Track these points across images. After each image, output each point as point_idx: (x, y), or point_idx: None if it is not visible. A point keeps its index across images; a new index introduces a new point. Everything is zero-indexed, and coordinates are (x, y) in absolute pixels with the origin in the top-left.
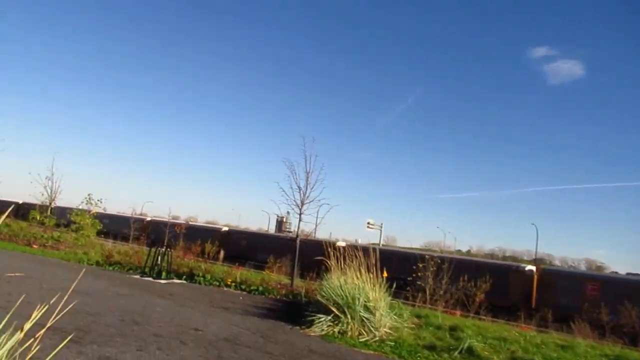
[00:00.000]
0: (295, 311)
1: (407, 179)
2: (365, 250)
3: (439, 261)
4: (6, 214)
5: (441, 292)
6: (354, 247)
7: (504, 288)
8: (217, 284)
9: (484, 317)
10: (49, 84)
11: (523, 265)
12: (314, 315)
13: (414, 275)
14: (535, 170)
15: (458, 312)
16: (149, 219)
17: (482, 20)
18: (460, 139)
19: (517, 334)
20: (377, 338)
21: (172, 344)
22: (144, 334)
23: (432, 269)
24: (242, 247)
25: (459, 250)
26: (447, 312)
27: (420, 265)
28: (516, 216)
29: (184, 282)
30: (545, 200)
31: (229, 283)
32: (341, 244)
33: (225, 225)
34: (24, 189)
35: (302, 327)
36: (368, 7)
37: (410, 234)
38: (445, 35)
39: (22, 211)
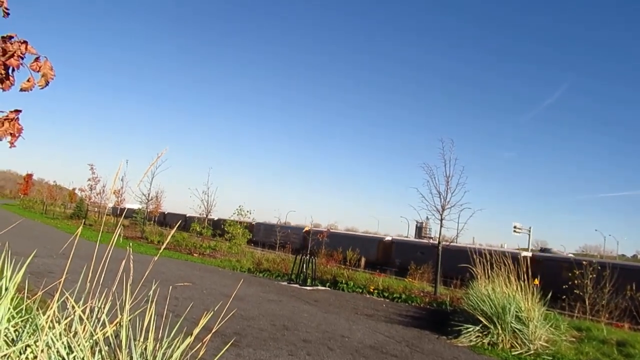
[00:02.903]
0: (440, 320)
1: (556, 179)
2: (513, 256)
3: (599, 267)
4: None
5: (603, 302)
6: (501, 254)
7: None
8: (360, 290)
9: None
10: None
11: None
12: (461, 325)
13: (569, 283)
14: None
15: (626, 325)
16: (292, 226)
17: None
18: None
19: None
20: (531, 351)
21: (320, 350)
22: (294, 339)
23: (590, 275)
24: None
25: (623, 255)
26: (612, 325)
27: (577, 272)
28: None
29: (328, 288)
30: None
31: (371, 290)
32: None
33: (364, 232)
34: (185, 202)
35: (449, 337)
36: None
37: (564, 238)
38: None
39: (182, 223)
